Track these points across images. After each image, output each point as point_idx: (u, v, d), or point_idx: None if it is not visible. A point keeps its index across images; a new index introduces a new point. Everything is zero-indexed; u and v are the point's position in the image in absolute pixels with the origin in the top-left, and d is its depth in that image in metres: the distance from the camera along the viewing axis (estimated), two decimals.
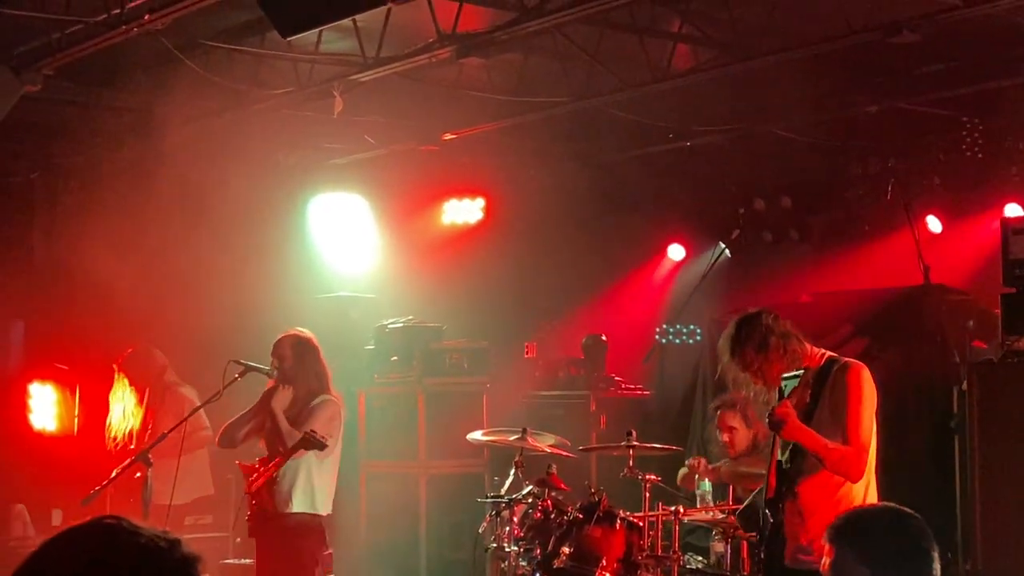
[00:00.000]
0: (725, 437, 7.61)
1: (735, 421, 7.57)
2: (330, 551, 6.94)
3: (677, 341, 11.26)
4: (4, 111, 8.22)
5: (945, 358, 8.33)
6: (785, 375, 5.21)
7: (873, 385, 5.23)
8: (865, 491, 5.22)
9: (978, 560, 7.73)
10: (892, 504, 3.27)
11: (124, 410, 8.41)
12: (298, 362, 6.82)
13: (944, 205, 10.08)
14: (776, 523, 5.10)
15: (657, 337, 11.17)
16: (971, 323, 8.42)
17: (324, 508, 6.83)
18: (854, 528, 3.08)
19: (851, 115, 9.87)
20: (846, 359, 5.33)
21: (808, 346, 5.30)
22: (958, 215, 10.02)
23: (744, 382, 5.40)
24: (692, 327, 11.25)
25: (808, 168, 10.94)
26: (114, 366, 8.61)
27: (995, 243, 8.20)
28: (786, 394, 5.14)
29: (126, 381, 8.51)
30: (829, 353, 5.36)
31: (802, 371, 5.18)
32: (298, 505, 6.75)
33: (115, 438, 8.35)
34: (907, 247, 9.20)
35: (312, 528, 6.77)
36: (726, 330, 5.41)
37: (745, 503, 5.99)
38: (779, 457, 5.15)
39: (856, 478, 5.13)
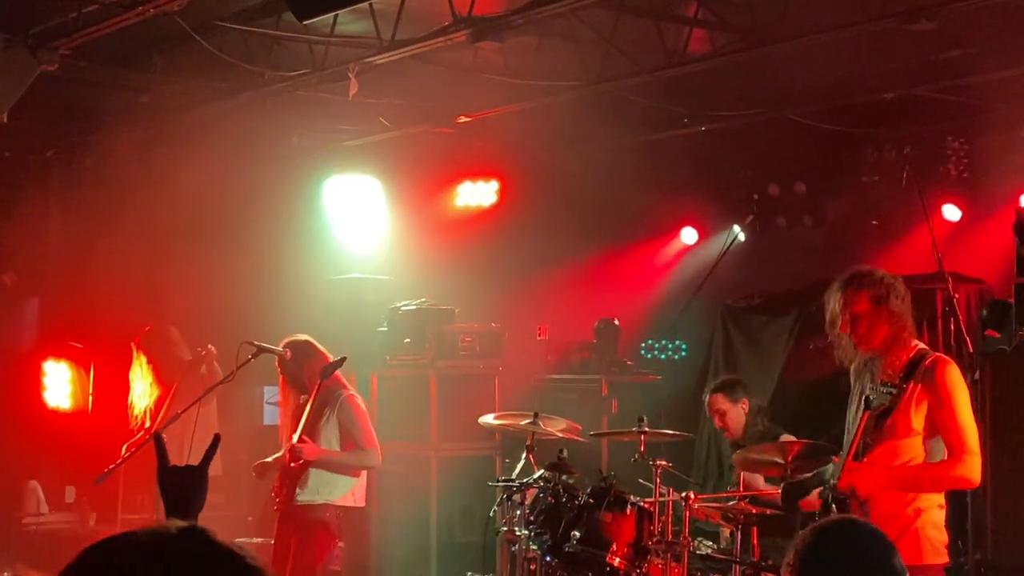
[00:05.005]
0: (718, 423, 7.63)
1: (722, 403, 7.57)
2: (341, 544, 6.94)
3: (663, 357, 10.83)
4: (21, 90, 8.23)
5: (958, 347, 8.32)
6: (876, 386, 4.89)
7: (963, 379, 4.99)
8: (942, 505, 4.98)
9: (988, 550, 7.74)
10: (855, 521, 3.07)
11: (143, 388, 8.44)
12: (299, 368, 6.87)
13: (961, 194, 10.03)
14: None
15: (643, 353, 10.82)
16: (984, 312, 8.41)
17: (345, 498, 6.88)
18: (814, 558, 2.81)
19: (867, 101, 9.82)
20: (935, 354, 5.02)
21: (914, 339, 5.02)
22: (975, 204, 9.97)
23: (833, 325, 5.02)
24: (678, 343, 10.93)
25: (823, 154, 10.90)
26: (132, 344, 8.63)
27: (1011, 232, 8.17)
28: (872, 403, 4.81)
29: (144, 359, 8.52)
30: (921, 346, 5.06)
31: (894, 388, 4.82)
32: (317, 495, 6.80)
33: (136, 416, 8.38)
34: (922, 235, 9.16)
35: (326, 518, 6.80)
36: (840, 277, 5.08)
37: (799, 478, 5.85)
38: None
39: (975, 484, 4.95)
